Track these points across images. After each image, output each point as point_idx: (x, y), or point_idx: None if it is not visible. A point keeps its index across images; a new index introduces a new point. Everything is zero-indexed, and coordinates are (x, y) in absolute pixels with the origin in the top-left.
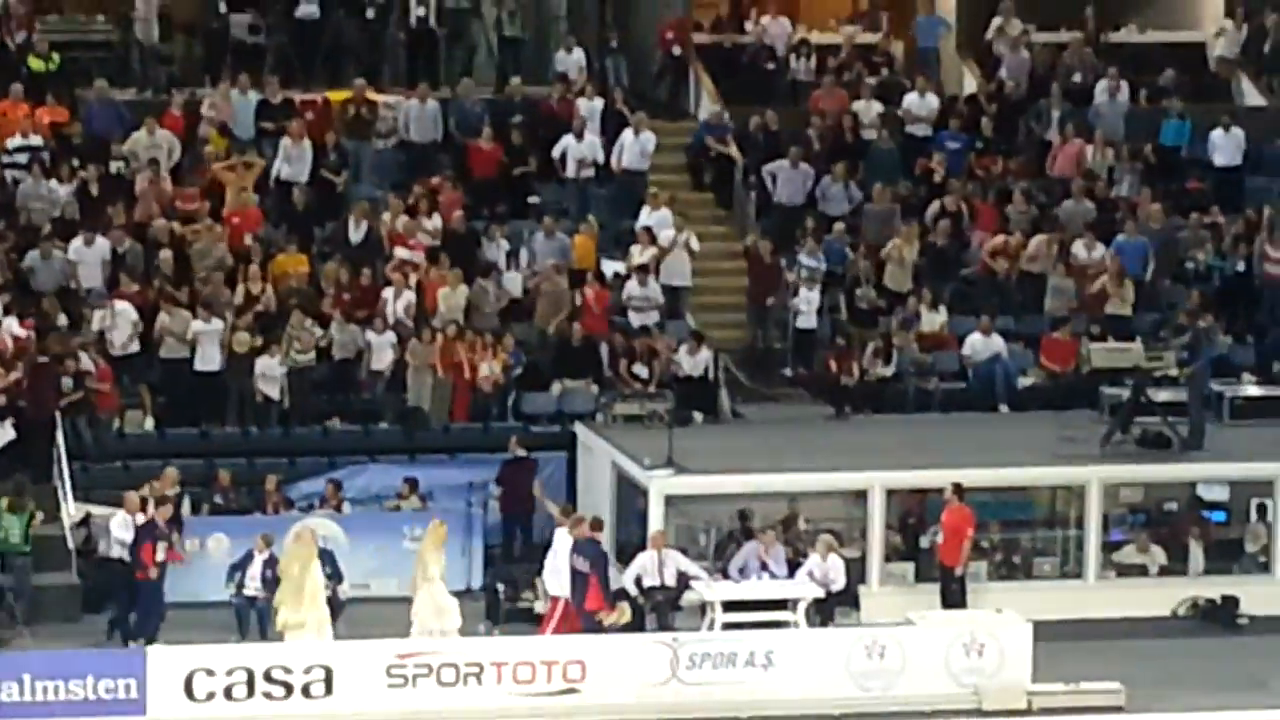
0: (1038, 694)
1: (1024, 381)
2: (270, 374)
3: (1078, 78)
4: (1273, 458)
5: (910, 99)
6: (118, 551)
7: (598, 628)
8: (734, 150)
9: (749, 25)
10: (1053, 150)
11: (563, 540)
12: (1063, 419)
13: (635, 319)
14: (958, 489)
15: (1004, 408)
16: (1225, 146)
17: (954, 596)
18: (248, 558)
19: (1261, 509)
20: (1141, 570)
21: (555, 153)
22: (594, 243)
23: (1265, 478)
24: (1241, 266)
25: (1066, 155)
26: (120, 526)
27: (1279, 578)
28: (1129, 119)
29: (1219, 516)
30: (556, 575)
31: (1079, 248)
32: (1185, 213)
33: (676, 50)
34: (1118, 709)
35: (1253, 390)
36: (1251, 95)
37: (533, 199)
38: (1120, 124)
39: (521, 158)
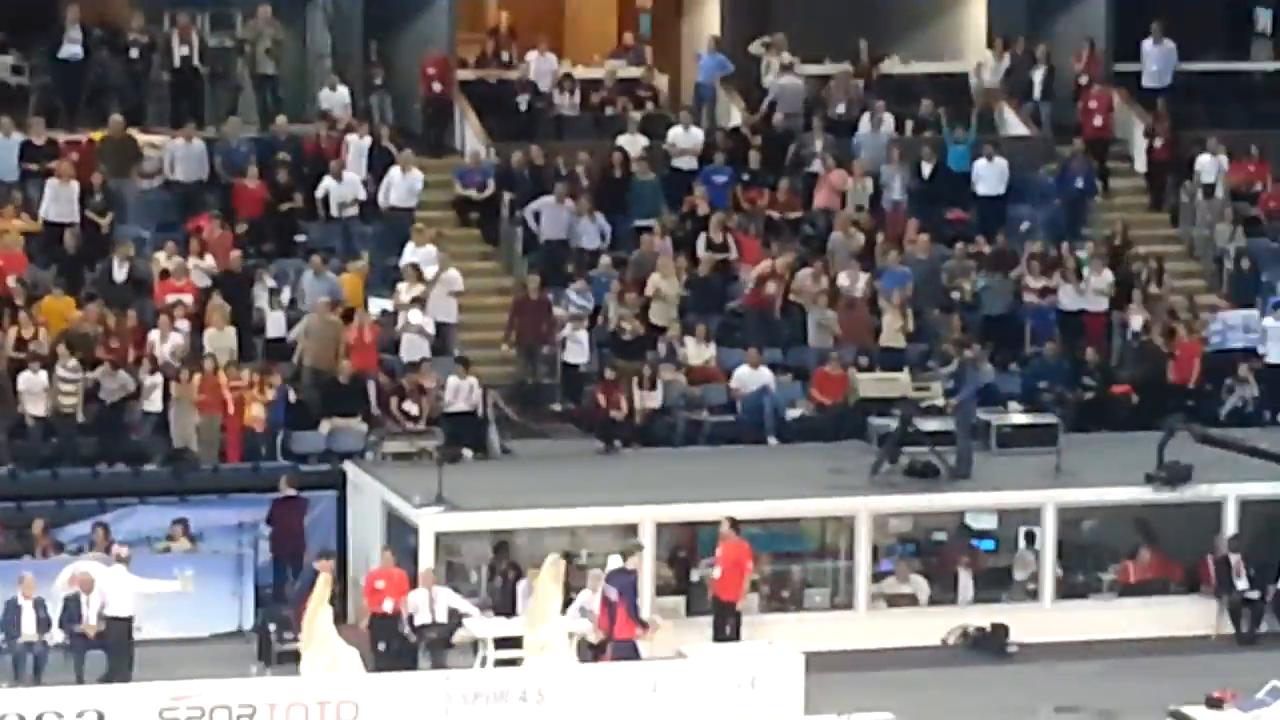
0: None
1: (792, 413)
2: (33, 390)
3: (842, 109)
4: (1040, 485)
5: (675, 132)
6: None
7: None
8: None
9: (512, 59)
10: (816, 181)
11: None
12: (831, 450)
13: (404, 356)
14: (733, 523)
15: (773, 440)
16: (989, 176)
17: (727, 630)
18: (12, 603)
19: (1030, 537)
20: (912, 600)
21: (319, 191)
22: (363, 280)
23: (1033, 505)
24: (1005, 297)
25: (830, 186)
26: None
27: (1048, 605)
28: (894, 147)
29: (988, 545)
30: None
31: (844, 279)
32: (950, 242)
33: (437, 87)
34: None
35: (1019, 419)
36: (1014, 125)
37: (299, 237)
38: (883, 154)
39: (288, 196)
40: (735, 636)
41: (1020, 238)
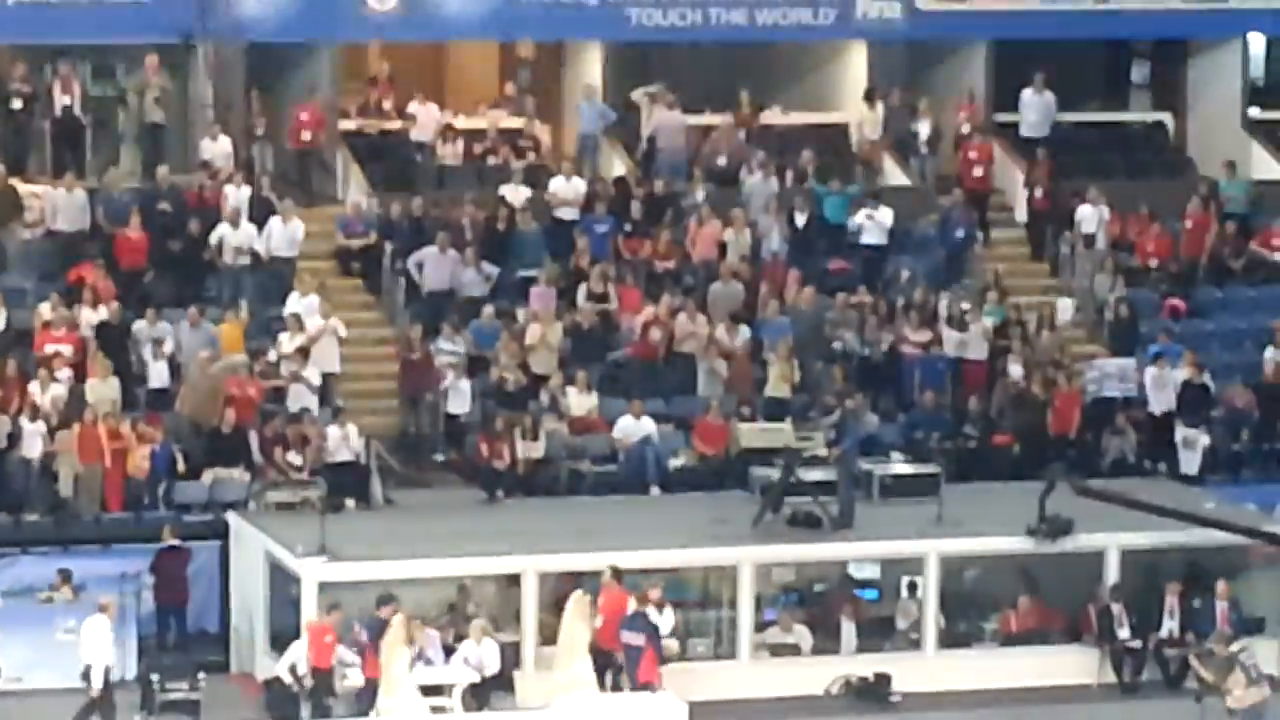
0: None
1: (675, 463)
2: None
3: (723, 160)
4: (922, 535)
5: (557, 182)
6: None
7: None
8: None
9: (394, 109)
10: (695, 232)
11: None
12: (714, 500)
13: (289, 406)
14: (616, 572)
15: (655, 490)
16: (873, 226)
17: (609, 679)
18: None
19: (912, 586)
20: (795, 650)
21: (213, 239)
22: (241, 330)
23: (915, 555)
24: (887, 347)
25: (709, 237)
26: None
27: (930, 655)
28: (773, 197)
29: (870, 594)
30: None
31: (722, 330)
32: (831, 292)
33: (307, 136)
34: None
35: (901, 469)
36: (895, 175)
37: (182, 288)
38: (766, 204)
39: (169, 246)
40: (619, 687)
41: (901, 288)
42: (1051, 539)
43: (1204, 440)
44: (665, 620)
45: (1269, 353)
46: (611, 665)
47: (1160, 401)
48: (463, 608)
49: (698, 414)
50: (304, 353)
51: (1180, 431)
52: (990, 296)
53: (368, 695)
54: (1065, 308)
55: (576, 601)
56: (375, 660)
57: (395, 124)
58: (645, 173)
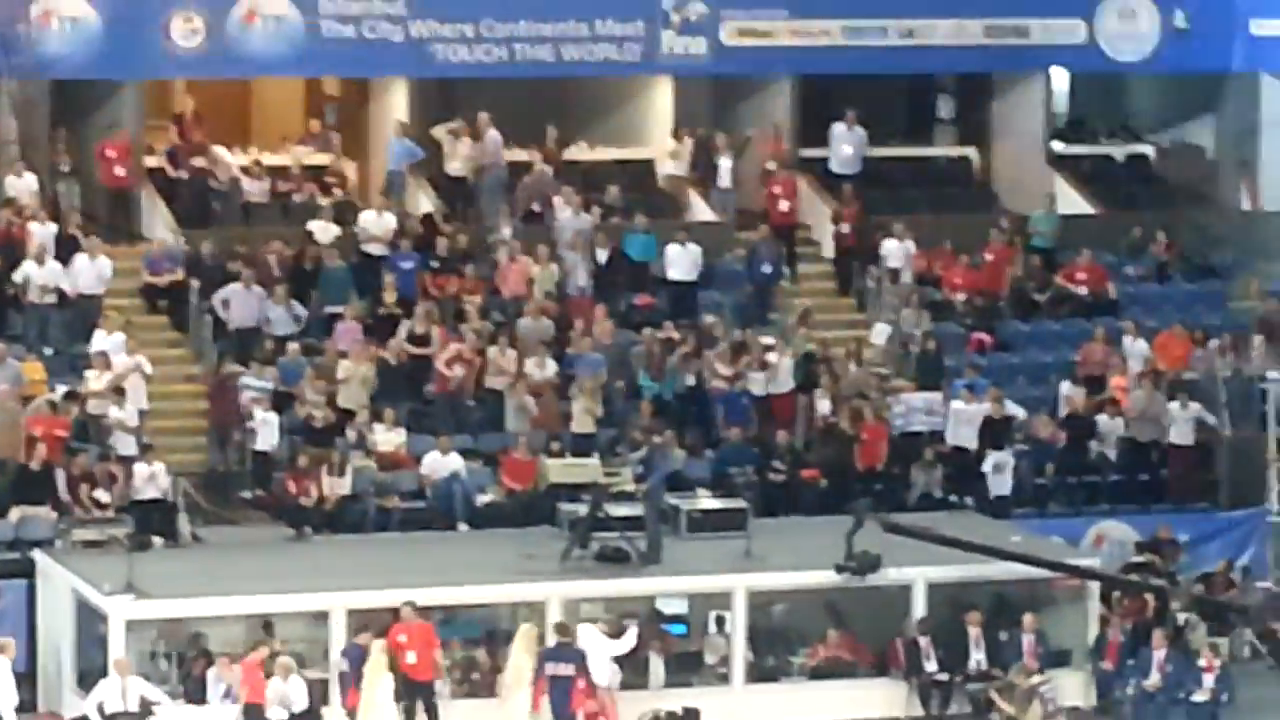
0: None
1: (483, 499)
2: None
3: (534, 197)
4: (730, 570)
5: (364, 218)
6: None
7: None
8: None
9: (199, 147)
10: (504, 268)
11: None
12: (522, 536)
13: (94, 443)
14: (414, 607)
15: (463, 526)
16: (680, 261)
17: (428, 713)
18: None
19: (720, 621)
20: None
21: (18, 277)
22: (44, 368)
23: (723, 590)
24: (692, 380)
25: (518, 273)
26: None
27: (739, 689)
28: (579, 233)
29: (678, 629)
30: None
31: (531, 365)
32: (637, 327)
33: (120, 171)
34: None
35: (708, 504)
36: (702, 211)
37: None
38: (574, 239)
39: None
40: (432, 718)
41: (709, 323)
42: (859, 575)
43: (1011, 462)
44: (625, 642)
45: (1065, 387)
46: (423, 696)
47: (965, 435)
48: (267, 645)
49: (506, 450)
50: (118, 390)
51: (990, 458)
52: (797, 331)
53: None
54: (878, 334)
55: (523, 634)
56: (356, 689)
57: (201, 161)
58: (454, 210)
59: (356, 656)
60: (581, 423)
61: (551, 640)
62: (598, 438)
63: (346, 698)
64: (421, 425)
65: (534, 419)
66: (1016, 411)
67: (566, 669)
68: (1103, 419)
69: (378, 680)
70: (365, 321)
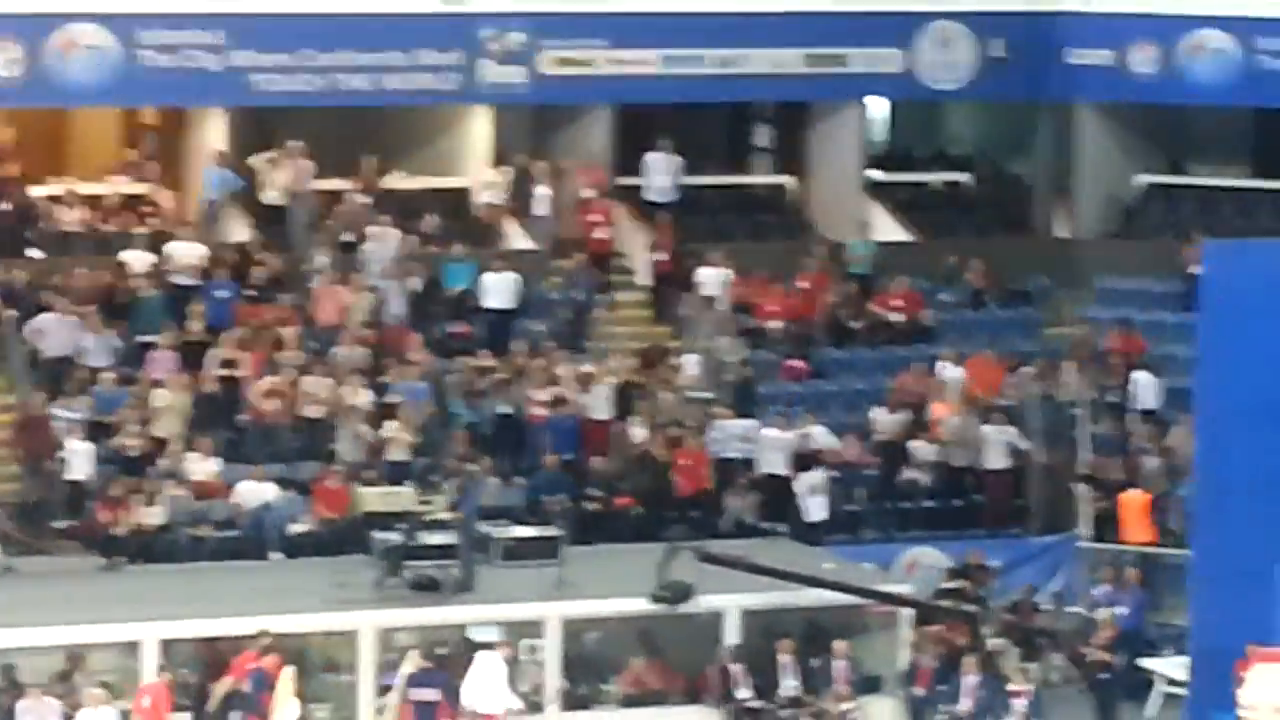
0: None
1: (296, 528)
2: None
3: (349, 225)
4: (542, 598)
5: (174, 248)
6: None
7: None
8: None
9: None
10: (319, 296)
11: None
12: (335, 565)
13: None
14: (266, 635)
15: (277, 555)
16: (497, 289)
17: None
18: None
19: (532, 650)
20: None
21: None
22: None
23: (535, 618)
24: (510, 409)
25: (333, 301)
26: None
27: (552, 717)
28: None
29: None
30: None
31: (346, 394)
32: (452, 355)
33: None
34: None
35: (522, 531)
36: (519, 239)
37: None
38: (390, 268)
39: None
40: None
41: (525, 350)
42: (672, 604)
43: (823, 485)
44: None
45: (876, 412)
46: None
47: (778, 462)
48: (75, 676)
49: (319, 478)
50: None
51: (802, 479)
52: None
53: None
54: (691, 363)
55: (285, 678)
56: (256, 715)
57: (14, 189)
58: (270, 239)
59: (262, 681)
60: (396, 451)
61: (416, 666)
62: (412, 466)
63: None
64: (236, 454)
65: (348, 448)
66: (830, 439)
67: (431, 694)
68: (916, 445)
69: (285, 704)
70: (179, 350)
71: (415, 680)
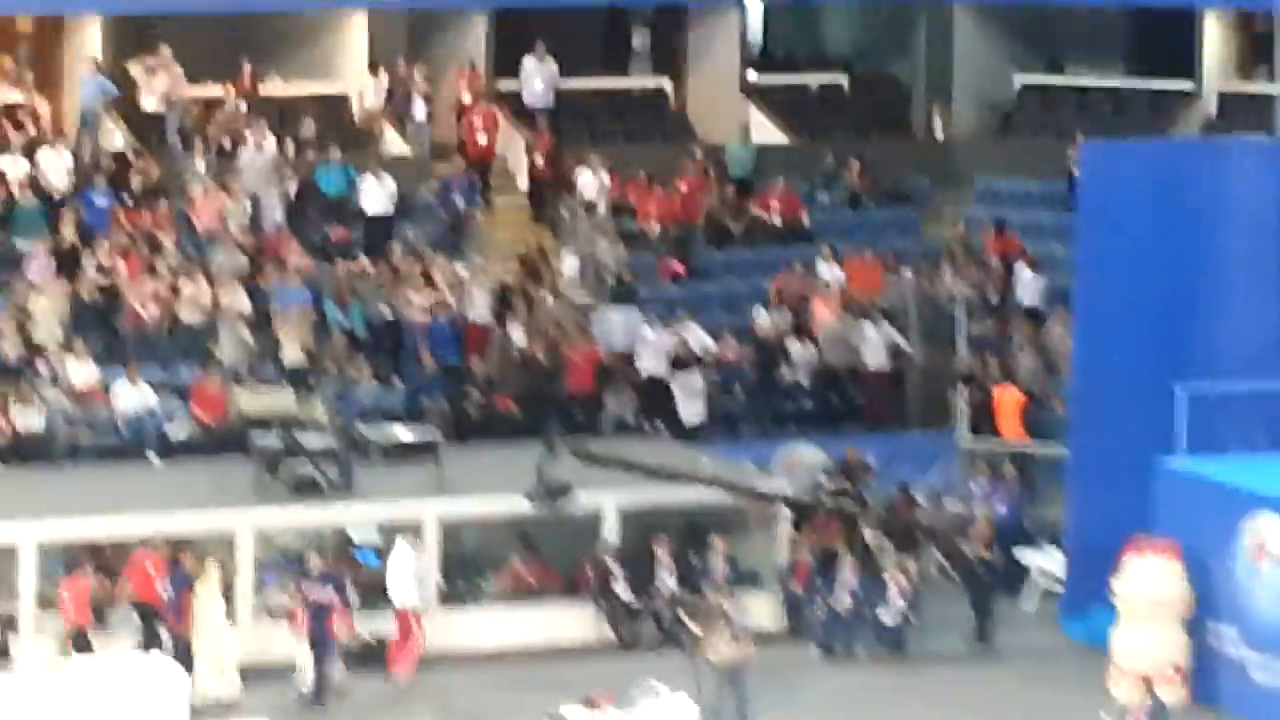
0: None
1: (175, 431)
2: None
3: (227, 131)
4: (421, 498)
5: (46, 156)
6: None
7: None
8: None
9: None
10: (197, 203)
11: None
12: (214, 467)
13: None
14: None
15: (155, 458)
16: (376, 195)
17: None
18: None
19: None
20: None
21: None
22: None
23: (414, 518)
24: (389, 313)
25: (211, 207)
26: None
27: (431, 615)
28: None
29: (370, 558)
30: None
31: (225, 300)
32: (332, 260)
33: None
34: None
35: (401, 433)
36: (396, 144)
37: None
38: (266, 174)
39: None
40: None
41: (403, 255)
42: (551, 503)
43: (701, 384)
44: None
45: (759, 313)
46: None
47: (657, 363)
48: None
49: (198, 383)
50: None
51: (679, 378)
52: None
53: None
54: (570, 265)
55: (207, 578)
56: (176, 616)
57: None
58: (147, 146)
59: (182, 581)
60: (277, 354)
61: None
62: (292, 369)
63: (173, 624)
64: (114, 359)
65: (231, 351)
66: (708, 341)
67: (325, 595)
68: (795, 345)
69: (212, 604)
70: (57, 257)
71: (308, 582)
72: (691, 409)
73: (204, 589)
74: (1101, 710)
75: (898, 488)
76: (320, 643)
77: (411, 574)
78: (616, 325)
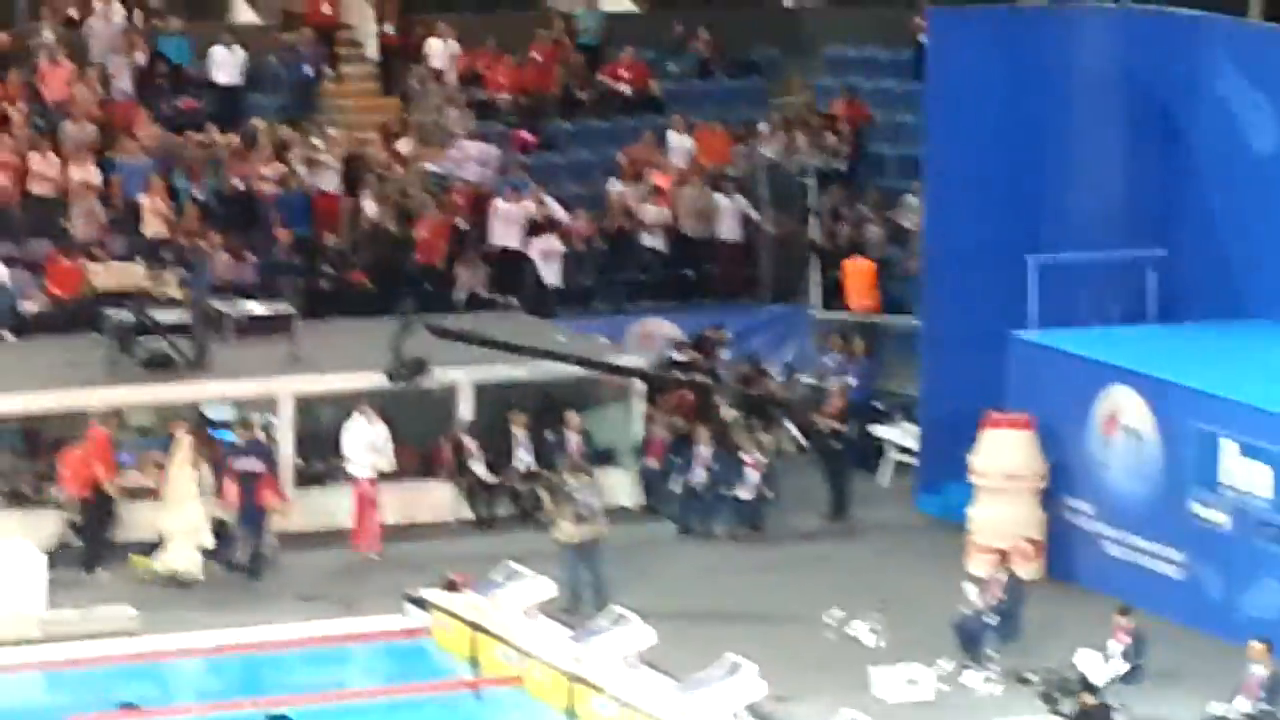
0: (50, 622)
1: (28, 306)
2: None
3: (71, 2)
4: (276, 374)
5: None
6: None
7: None
8: None
9: None
10: (45, 73)
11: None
12: (67, 344)
13: None
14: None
15: (8, 334)
16: (226, 64)
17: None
18: None
19: (267, 426)
20: (155, 493)
21: None
22: None
23: (268, 395)
24: (241, 185)
25: (60, 78)
26: None
27: (289, 493)
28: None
29: (226, 435)
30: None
31: (77, 170)
32: (181, 131)
33: None
34: (130, 633)
35: (255, 308)
36: (245, 13)
37: None
38: (114, 43)
39: None
40: None
41: (253, 125)
42: (406, 379)
43: (558, 254)
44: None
45: (612, 184)
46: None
47: (510, 235)
48: None
49: (50, 257)
50: None
51: (535, 246)
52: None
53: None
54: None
55: (178, 445)
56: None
57: None
58: None
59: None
60: (136, 227)
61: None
62: (144, 243)
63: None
64: None
65: (83, 226)
66: (559, 211)
67: (253, 464)
68: (647, 215)
69: (181, 472)
70: None
71: (235, 451)
72: (552, 272)
73: (175, 461)
74: (962, 583)
75: (748, 360)
76: (250, 513)
77: (366, 445)
78: (471, 154)
